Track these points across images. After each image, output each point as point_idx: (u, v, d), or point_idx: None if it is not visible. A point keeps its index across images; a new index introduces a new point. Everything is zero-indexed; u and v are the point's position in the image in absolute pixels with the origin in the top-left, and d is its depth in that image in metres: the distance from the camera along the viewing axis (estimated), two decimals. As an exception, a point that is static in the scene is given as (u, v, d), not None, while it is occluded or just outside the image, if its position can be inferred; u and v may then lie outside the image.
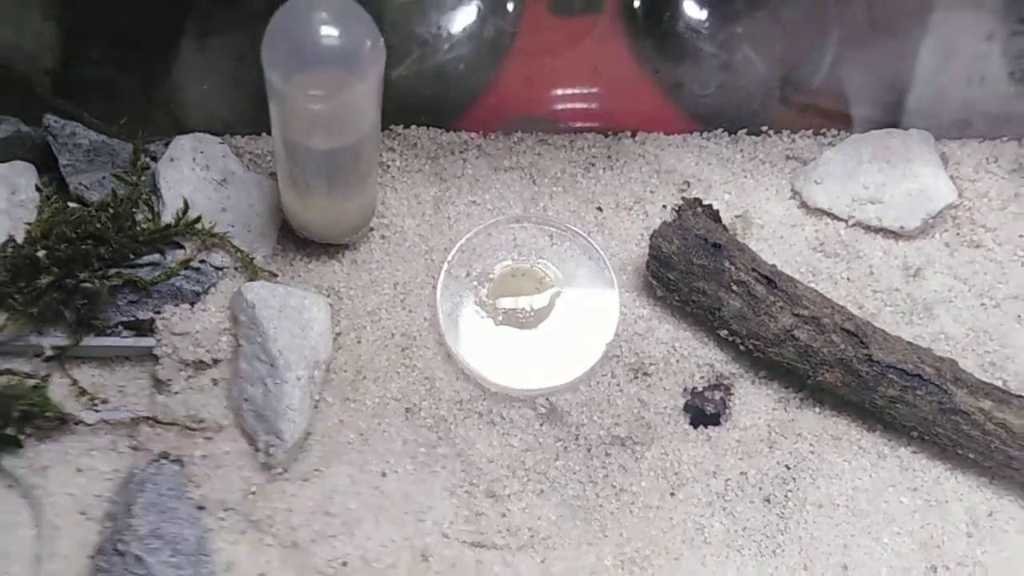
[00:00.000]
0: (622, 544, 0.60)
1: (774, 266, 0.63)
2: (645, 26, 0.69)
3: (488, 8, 0.67)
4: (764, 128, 0.71)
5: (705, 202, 0.65)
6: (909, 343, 0.62)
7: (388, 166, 0.69)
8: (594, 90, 0.71)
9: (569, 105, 0.71)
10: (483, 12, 0.67)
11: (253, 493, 0.61)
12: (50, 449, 0.63)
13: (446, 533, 0.61)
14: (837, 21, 0.69)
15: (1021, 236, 0.69)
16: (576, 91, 0.71)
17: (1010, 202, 0.70)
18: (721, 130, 0.71)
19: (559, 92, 0.71)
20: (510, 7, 0.68)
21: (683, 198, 0.66)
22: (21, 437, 0.62)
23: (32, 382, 0.64)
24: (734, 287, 0.62)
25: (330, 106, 0.51)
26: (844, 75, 0.70)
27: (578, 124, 0.71)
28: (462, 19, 0.68)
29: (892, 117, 0.71)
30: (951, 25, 0.66)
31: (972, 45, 0.67)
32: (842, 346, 0.61)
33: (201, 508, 0.61)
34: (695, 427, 0.63)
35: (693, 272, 0.62)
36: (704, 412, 0.64)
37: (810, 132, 0.71)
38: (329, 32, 0.50)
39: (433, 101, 0.70)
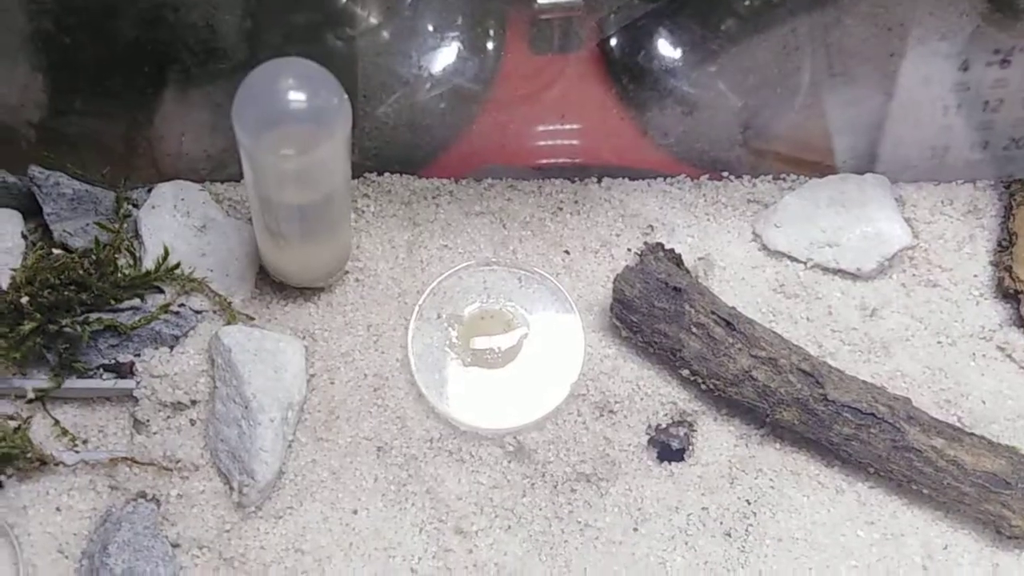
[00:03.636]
0: None
1: (734, 308, 0.65)
2: (621, 65, 0.71)
3: (468, 48, 0.69)
4: (725, 173, 0.73)
5: (667, 246, 0.67)
6: (864, 382, 0.64)
7: (363, 211, 0.71)
8: (572, 129, 0.73)
9: (547, 142, 0.73)
10: (463, 52, 0.69)
11: (227, 531, 0.62)
12: (30, 489, 0.63)
13: (415, 569, 0.61)
14: (804, 68, 0.71)
15: (976, 276, 0.70)
16: (553, 130, 0.73)
17: (965, 243, 0.71)
18: (684, 176, 0.73)
19: (537, 130, 0.73)
20: (490, 46, 0.70)
21: (645, 243, 0.68)
22: (2, 478, 0.63)
23: (14, 424, 0.65)
24: (694, 329, 0.63)
25: (300, 164, 0.53)
26: (805, 121, 0.72)
27: (558, 161, 0.73)
28: (443, 59, 0.70)
29: (853, 162, 0.72)
30: (914, 74, 0.68)
31: (934, 92, 0.69)
32: (798, 386, 0.62)
33: (176, 546, 0.62)
34: (661, 462, 0.64)
35: (655, 315, 0.64)
36: (670, 447, 0.65)
37: (770, 177, 0.73)
38: (296, 96, 0.52)
39: (414, 139, 0.72)
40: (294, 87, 0.51)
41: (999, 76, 0.68)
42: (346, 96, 0.53)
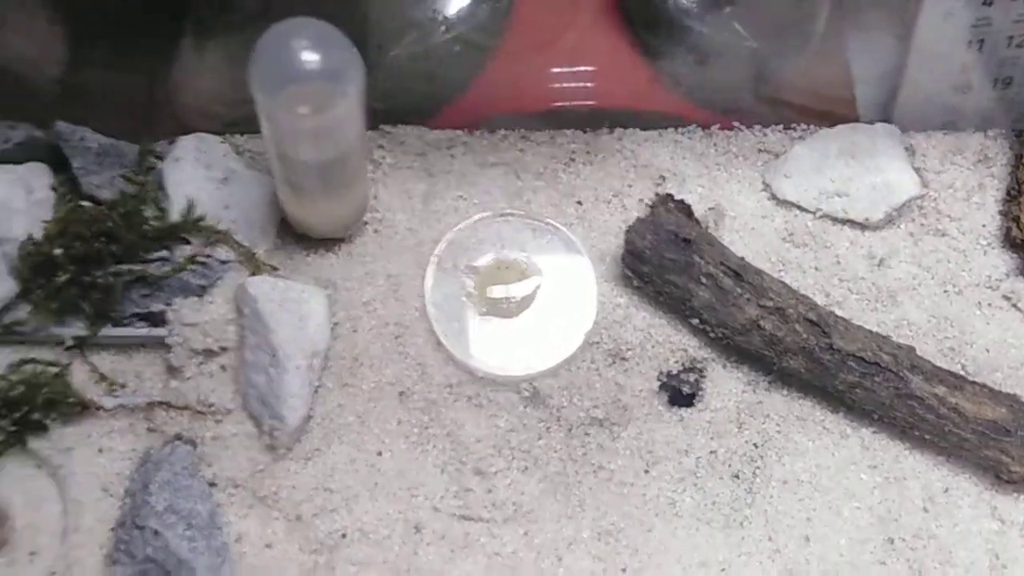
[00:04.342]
0: (599, 518, 0.64)
1: (743, 259, 0.67)
2: (636, 10, 0.72)
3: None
4: (736, 123, 0.73)
5: (678, 197, 0.68)
6: (869, 332, 0.65)
7: (379, 163, 0.72)
8: (586, 72, 0.73)
9: (560, 86, 0.73)
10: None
11: (260, 471, 0.65)
12: (73, 432, 0.67)
13: (437, 507, 0.65)
14: (817, 16, 0.71)
15: (984, 225, 0.71)
16: (566, 73, 0.73)
17: (974, 192, 0.72)
18: (695, 126, 0.73)
19: (550, 75, 0.73)
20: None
21: (656, 194, 0.69)
22: (46, 421, 0.66)
23: (54, 370, 0.68)
24: (703, 280, 0.65)
25: (315, 122, 0.55)
26: (819, 67, 0.72)
27: (570, 104, 0.73)
28: (457, 2, 0.71)
29: (864, 111, 0.72)
30: (928, 23, 0.67)
31: (955, 28, 0.68)
32: (805, 335, 0.64)
33: (212, 485, 0.65)
34: (672, 407, 0.67)
35: (665, 266, 0.66)
36: (680, 393, 0.67)
37: (781, 127, 0.73)
38: (310, 56, 0.53)
39: (427, 86, 0.72)
40: (308, 47, 0.52)
41: (1024, 10, 0.66)
42: (359, 55, 0.54)
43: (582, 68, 0.74)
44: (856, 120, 0.73)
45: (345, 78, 0.53)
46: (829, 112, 0.73)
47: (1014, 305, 0.69)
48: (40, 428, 0.66)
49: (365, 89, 0.56)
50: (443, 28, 0.72)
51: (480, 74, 0.72)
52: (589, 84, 0.74)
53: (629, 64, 0.73)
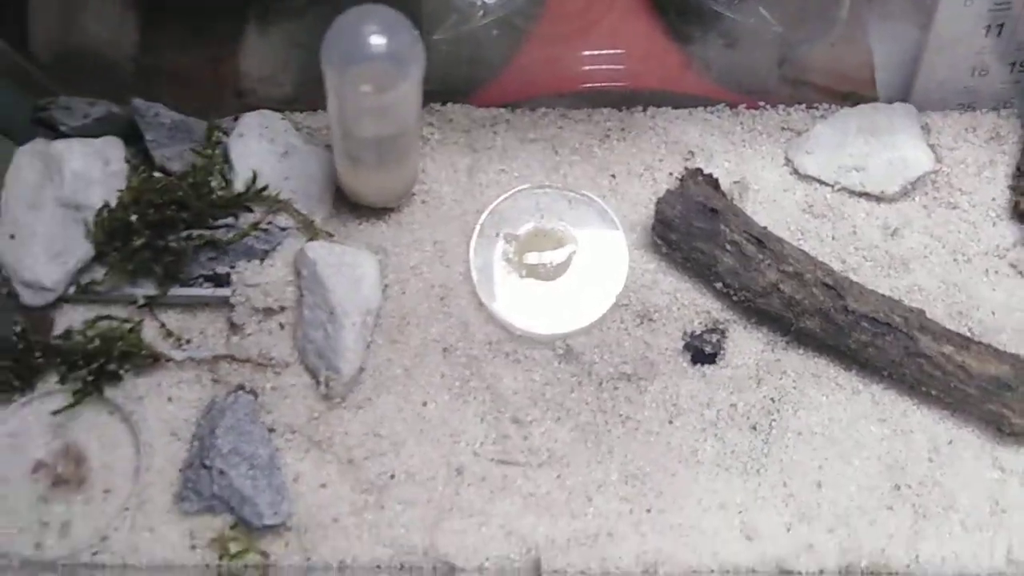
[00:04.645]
0: (626, 463, 0.69)
1: (765, 228, 0.71)
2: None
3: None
4: (762, 103, 0.77)
5: (706, 171, 0.72)
6: (882, 295, 0.69)
7: (428, 139, 0.77)
8: (619, 55, 0.76)
9: (594, 68, 0.77)
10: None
11: (315, 419, 0.70)
12: (145, 382, 0.71)
13: (477, 452, 0.69)
14: (841, 2, 0.74)
15: (994, 199, 0.74)
16: (599, 56, 0.77)
17: (985, 168, 0.75)
18: (723, 105, 0.77)
19: (584, 59, 0.77)
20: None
21: (686, 168, 0.73)
22: (121, 372, 0.71)
23: (128, 326, 0.73)
24: (728, 247, 0.69)
25: (378, 100, 0.60)
26: (839, 53, 0.76)
27: (603, 86, 0.76)
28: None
29: (884, 92, 0.76)
30: (948, 7, 0.70)
31: (968, 28, 0.71)
32: (821, 298, 0.68)
33: (272, 431, 0.70)
34: (695, 364, 0.71)
35: (693, 233, 0.70)
36: (703, 351, 0.71)
37: (804, 106, 0.77)
38: (378, 40, 0.58)
39: (467, 65, 0.76)
40: (376, 31, 0.57)
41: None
42: (421, 41, 0.59)
43: (615, 51, 0.77)
44: (875, 100, 0.76)
45: (408, 61, 0.58)
46: (850, 93, 0.76)
47: (1020, 272, 0.72)
48: (115, 378, 0.71)
49: (424, 72, 0.61)
50: (481, 13, 0.76)
51: (516, 57, 0.75)
52: (621, 67, 0.78)
53: (660, 48, 0.77)
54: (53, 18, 0.75)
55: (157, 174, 0.74)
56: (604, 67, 0.78)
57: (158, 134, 0.75)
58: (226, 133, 0.76)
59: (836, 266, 0.71)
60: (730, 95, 0.77)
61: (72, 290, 0.73)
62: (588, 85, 0.77)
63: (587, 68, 0.77)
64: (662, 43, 0.76)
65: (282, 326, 0.72)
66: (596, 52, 0.77)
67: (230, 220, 0.73)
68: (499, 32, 0.75)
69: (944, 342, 0.67)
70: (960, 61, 0.73)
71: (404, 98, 0.60)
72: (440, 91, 0.77)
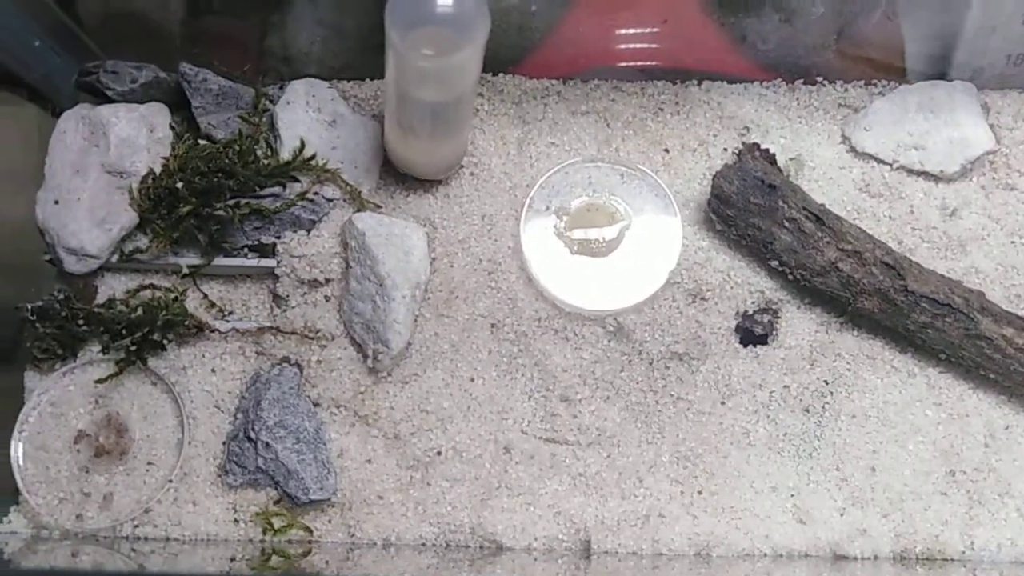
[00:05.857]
0: (677, 444, 0.68)
1: (823, 205, 0.70)
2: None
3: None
4: (819, 78, 0.76)
5: (763, 146, 0.71)
6: (942, 276, 0.68)
7: (477, 110, 0.75)
8: (660, 34, 0.75)
9: (636, 46, 0.76)
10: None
11: (361, 393, 0.70)
12: (188, 353, 0.71)
13: (525, 430, 0.69)
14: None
15: (1054, 181, 0.74)
16: (645, 34, 0.75)
17: None
18: (779, 79, 0.76)
19: (626, 34, 0.75)
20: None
21: (743, 143, 0.72)
22: (164, 342, 0.71)
23: (172, 295, 0.72)
24: (786, 224, 0.69)
25: (439, 65, 0.58)
26: (897, 28, 0.74)
27: (647, 64, 0.75)
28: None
29: (940, 69, 0.74)
30: None
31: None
32: (881, 277, 0.67)
33: (317, 405, 0.70)
34: (745, 346, 0.71)
35: (750, 210, 0.69)
36: (753, 333, 0.71)
37: (862, 82, 0.75)
38: (444, 2, 0.57)
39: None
40: (442, -6, 0.56)
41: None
42: (487, 8, 0.58)
43: (658, 29, 0.75)
44: (929, 77, 0.75)
45: (472, 26, 0.57)
46: (898, 68, 0.75)
47: (1080, 257, 0.71)
48: (158, 348, 0.71)
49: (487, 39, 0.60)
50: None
51: (556, 31, 0.74)
52: (672, 43, 0.76)
53: (711, 24, 0.75)
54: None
55: (202, 141, 0.74)
56: (655, 46, 0.76)
57: (205, 100, 0.74)
58: (273, 101, 0.75)
59: (892, 247, 0.70)
60: (785, 70, 0.75)
61: (115, 258, 0.72)
62: (630, 63, 0.76)
63: (629, 46, 0.76)
64: (711, 19, 0.74)
65: (327, 298, 0.72)
66: (640, 30, 0.75)
67: (276, 189, 0.73)
68: (538, 7, 0.73)
69: (1005, 324, 0.66)
70: (1021, 39, 0.71)
71: (465, 64, 0.59)
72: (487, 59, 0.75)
